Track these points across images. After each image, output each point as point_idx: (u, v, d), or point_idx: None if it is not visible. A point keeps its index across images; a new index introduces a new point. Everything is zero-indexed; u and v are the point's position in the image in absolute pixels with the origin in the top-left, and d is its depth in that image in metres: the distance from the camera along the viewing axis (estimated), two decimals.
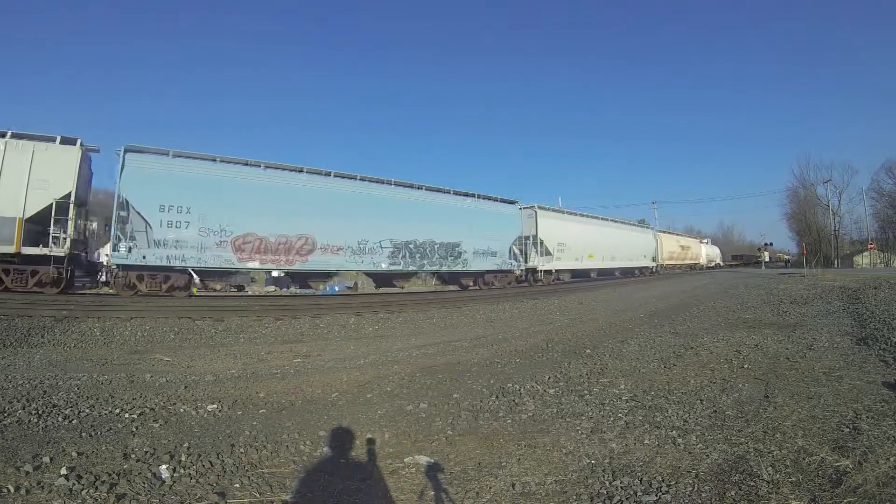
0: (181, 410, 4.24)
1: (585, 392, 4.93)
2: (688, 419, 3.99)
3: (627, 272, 33.36)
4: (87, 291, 13.44)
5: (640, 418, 4.06)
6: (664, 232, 41.31)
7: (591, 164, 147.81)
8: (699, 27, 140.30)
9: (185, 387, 5.04)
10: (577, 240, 25.43)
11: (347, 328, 10.25)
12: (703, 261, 49.63)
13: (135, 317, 9.51)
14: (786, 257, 69.18)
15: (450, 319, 11.79)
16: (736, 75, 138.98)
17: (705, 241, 56.30)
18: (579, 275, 28.39)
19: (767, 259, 58.48)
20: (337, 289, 20.97)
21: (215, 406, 4.38)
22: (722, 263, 59.09)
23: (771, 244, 65.96)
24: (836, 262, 45.88)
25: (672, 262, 40.53)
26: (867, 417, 3.85)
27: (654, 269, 36.11)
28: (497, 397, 4.79)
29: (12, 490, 2.55)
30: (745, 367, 5.94)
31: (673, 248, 40.67)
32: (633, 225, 35.84)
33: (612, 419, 4.06)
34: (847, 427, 3.67)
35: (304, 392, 5.03)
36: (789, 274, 29.19)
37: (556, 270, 24.41)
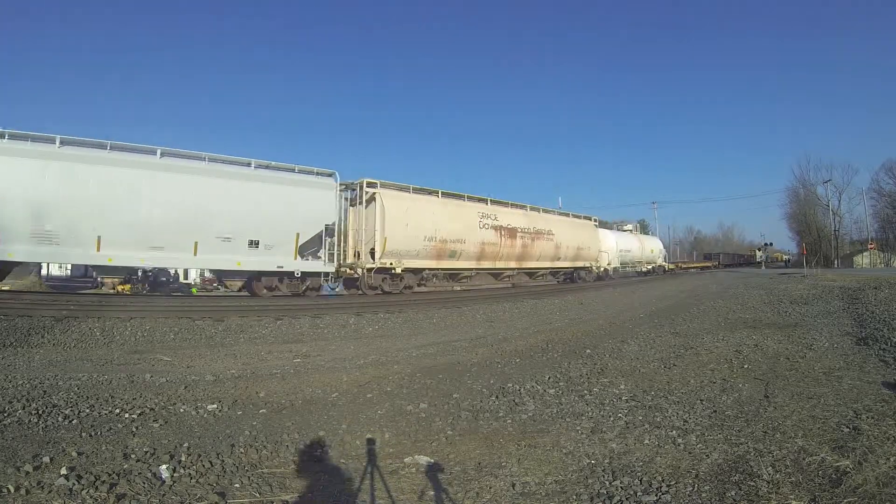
0: (181, 410, 4.23)
1: (585, 392, 4.93)
2: (688, 419, 3.99)
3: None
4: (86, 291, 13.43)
5: (640, 418, 4.06)
6: (392, 187, 16.79)
7: (591, 164, 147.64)
8: (699, 26, 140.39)
9: (185, 387, 5.04)
10: None
11: (347, 328, 10.25)
12: (607, 262, 28.73)
13: (135, 317, 9.51)
14: (785, 257, 69.08)
15: (450, 319, 11.79)
16: (736, 75, 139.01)
17: (628, 228, 36.03)
18: None
19: (762, 258, 57.82)
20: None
21: (215, 406, 4.38)
22: (669, 266, 41.46)
23: (771, 244, 66.10)
24: (836, 262, 45.86)
25: (455, 267, 18.44)
26: (867, 417, 3.85)
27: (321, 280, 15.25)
28: (497, 397, 4.79)
29: (12, 490, 2.54)
30: (745, 367, 5.94)
31: (456, 229, 17.75)
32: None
33: (612, 419, 4.06)
34: (847, 427, 3.67)
35: (304, 392, 5.03)
36: (789, 274, 29.19)
37: None
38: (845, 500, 2.56)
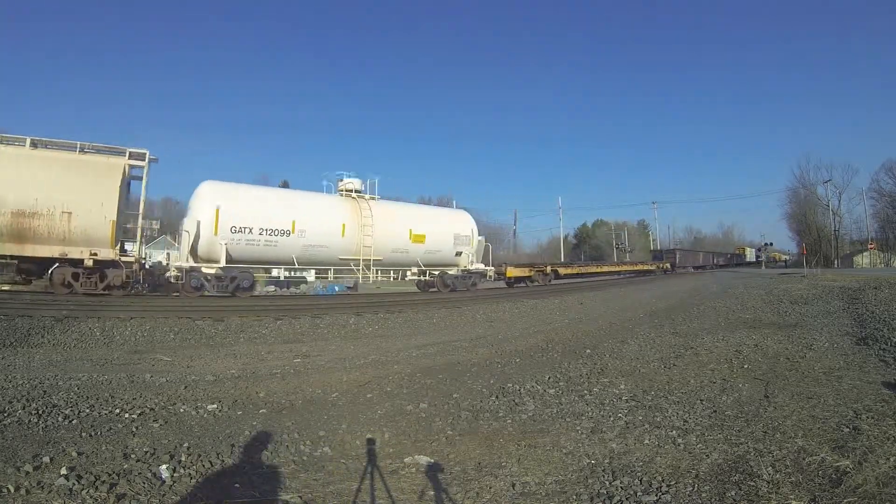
0: (181, 410, 4.23)
1: (585, 392, 4.93)
2: (688, 419, 3.99)
3: None
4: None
5: (640, 418, 4.06)
6: None
7: (591, 164, 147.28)
8: (699, 26, 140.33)
9: (185, 387, 5.04)
10: None
11: (347, 328, 10.25)
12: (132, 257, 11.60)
13: (135, 317, 9.50)
14: (784, 257, 69.05)
15: (450, 319, 11.80)
16: (736, 75, 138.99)
17: (349, 183, 16.31)
18: None
19: (762, 258, 57.48)
20: None
21: (215, 406, 4.38)
22: (491, 275, 19.67)
23: (771, 244, 66.01)
24: (836, 262, 45.89)
25: None
26: (867, 417, 3.86)
27: None
28: (497, 397, 4.79)
29: (12, 490, 2.55)
30: (745, 367, 5.95)
31: None
32: None
33: (612, 419, 4.06)
34: (847, 427, 3.67)
35: (304, 392, 5.03)
36: (789, 274, 29.18)
37: None
38: (845, 500, 2.56)
